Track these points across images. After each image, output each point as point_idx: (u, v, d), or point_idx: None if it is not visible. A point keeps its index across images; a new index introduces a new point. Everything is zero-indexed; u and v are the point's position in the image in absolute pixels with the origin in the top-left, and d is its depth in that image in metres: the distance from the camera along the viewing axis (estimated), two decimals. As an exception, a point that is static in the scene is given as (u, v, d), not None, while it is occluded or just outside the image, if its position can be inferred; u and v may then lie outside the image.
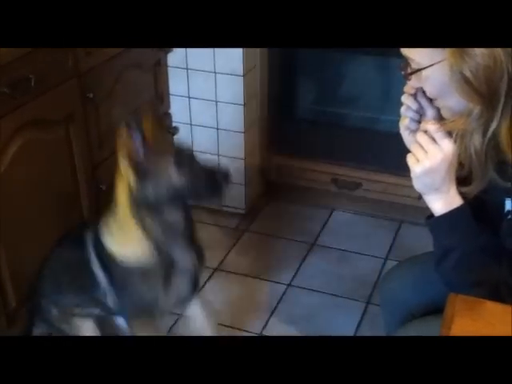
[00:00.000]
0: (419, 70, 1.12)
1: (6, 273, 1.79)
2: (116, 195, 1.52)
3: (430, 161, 1.15)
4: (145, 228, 1.50)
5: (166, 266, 1.55)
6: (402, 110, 1.22)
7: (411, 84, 1.18)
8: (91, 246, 1.60)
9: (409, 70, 1.15)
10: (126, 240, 1.54)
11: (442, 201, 1.17)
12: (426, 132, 1.16)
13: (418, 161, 1.16)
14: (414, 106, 1.20)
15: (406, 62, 1.15)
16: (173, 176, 1.46)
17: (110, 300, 1.62)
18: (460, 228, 1.16)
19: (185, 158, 1.50)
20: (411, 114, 1.21)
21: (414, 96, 1.19)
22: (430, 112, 1.19)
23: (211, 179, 1.52)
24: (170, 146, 1.53)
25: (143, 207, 1.48)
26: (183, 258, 1.58)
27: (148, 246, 1.52)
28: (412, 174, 1.18)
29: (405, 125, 1.22)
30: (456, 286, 1.14)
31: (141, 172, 1.44)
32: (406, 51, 1.14)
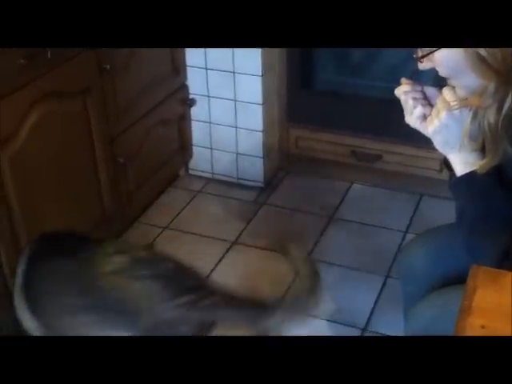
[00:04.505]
0: (431, 52, 1.11)
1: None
2: None
3: (438, 118, 1.16)
4: None
5: None
6: (410, 103, 1.20)
7: (423, 66, 1.16)
8: None
9: (420, 53, 1.13)
10: None
11: (462, 161, 1.18)
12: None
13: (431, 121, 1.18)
14: (421, 95, 1.20)
15: None
16: None
17: None
18: (473, 190, 1.17)
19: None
20: (421, 102, 1.20)
21: (418, 90, 1.20)
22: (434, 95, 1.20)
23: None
24: None
25: None
26: None
27: None
28: (429, 135, 1.19)
29: (417, 115, 1.20)
30: (471, 248, 1.16)
31: None
32: None
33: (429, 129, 1.18)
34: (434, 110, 1.18)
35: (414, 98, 1.20)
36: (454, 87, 1.16)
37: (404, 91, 1.21)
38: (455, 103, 1.14)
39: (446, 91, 1.16)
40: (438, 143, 1.19)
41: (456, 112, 1.15)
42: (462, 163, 1.18)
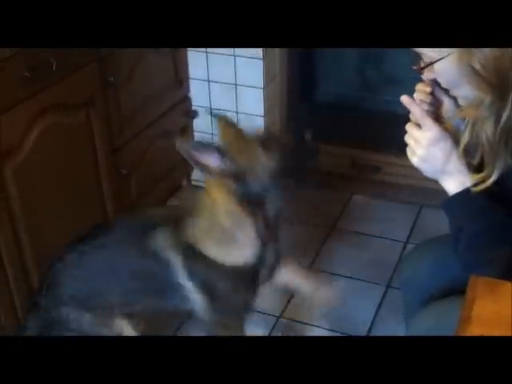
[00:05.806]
0: (431, 63, 1.13)
1: (29, 257, 1.82)
2: (210, 201, 1.48)
3: (421, 148, 1.17)
4: (248, 228, 1.47)
5: (259, 264, 1.52)
6: (417, 102, 1.22)
7: (425, 77, 1.18)
8: (172, 248, 1.50)
9: (421, 64, 1.15)
10: (229, 243, 1.50)
11: (454, 181, 1.18)
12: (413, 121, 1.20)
13: (413, 151, 1.19)
14: (429, 99, 1.22)
15: (417, 56, 1.16)
16: (263, 161, 1.44)
17: (187, 302, 1.51)
18: (469, 208, 1.17)
19: (270, 141, 1.48)
20: (426, 107, 1.21)
21: (431, 90, 1.21)
22: (446, 101, 1.21)
23: (298, 155, 1.54)
24: (253, 141, 1.48)
25: (246, 205, 1.46)
26: (272, 253, 1.56)
27: (251, 247, 1.49)
28: (415, 165, 1.20)
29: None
30: (469, 266, 1.15)
31: (234, 175, 1.42)
32: None
33: (413, 161, 1.19)
34: (409, 140, 1.20)
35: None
36: (415, 120, 1.18)
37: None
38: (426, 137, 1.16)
39: (409, 128, 1.19)
40: (426, 171, 1.20)
41: (435, 137, 1.16)
42: (454, 182, 1.18)
